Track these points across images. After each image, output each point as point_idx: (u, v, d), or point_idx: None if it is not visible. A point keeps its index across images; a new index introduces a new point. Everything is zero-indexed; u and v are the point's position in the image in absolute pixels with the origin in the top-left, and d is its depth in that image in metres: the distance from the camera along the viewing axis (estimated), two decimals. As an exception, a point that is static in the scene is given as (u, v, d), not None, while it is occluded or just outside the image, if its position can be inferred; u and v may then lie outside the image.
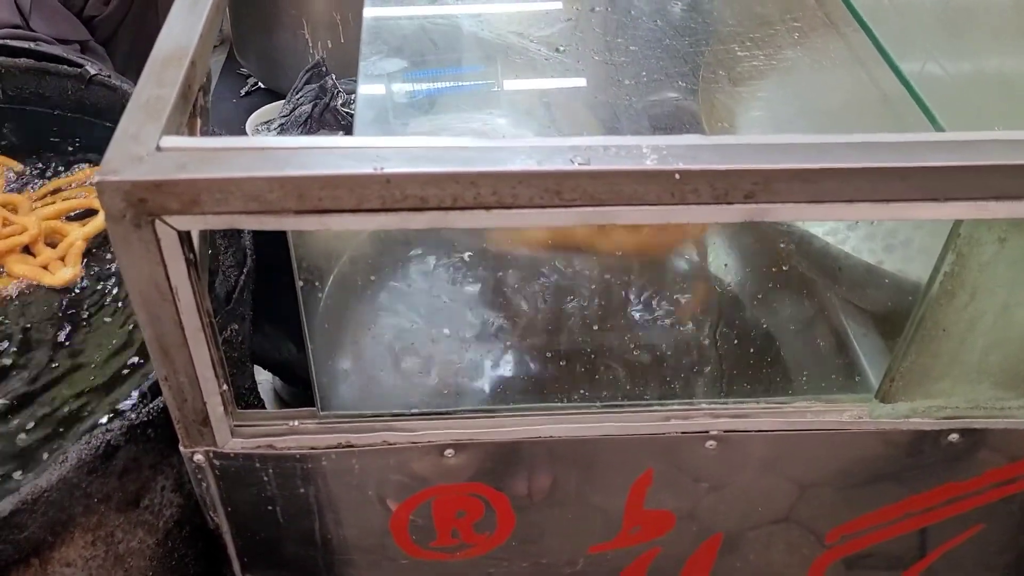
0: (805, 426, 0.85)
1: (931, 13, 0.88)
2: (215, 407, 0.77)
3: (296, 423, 0.82)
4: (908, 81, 0.75)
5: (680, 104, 1.02)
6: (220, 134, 2.41)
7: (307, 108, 2.27)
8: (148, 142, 0.64)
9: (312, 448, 0.82)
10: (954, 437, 0.87)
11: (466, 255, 1.00)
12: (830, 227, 0.99)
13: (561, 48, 0.88)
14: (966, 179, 0.66)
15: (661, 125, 0.83)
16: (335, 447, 0.82)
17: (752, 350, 0.96)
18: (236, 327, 1.03)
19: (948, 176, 0.66)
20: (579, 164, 0.64)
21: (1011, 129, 0.68)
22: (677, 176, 0.64)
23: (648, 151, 0.65)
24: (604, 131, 0.97)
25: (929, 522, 0.96)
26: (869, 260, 0.97)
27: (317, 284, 0.88)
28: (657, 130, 0.93)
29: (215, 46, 2.97)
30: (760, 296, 1.00)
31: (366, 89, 0.86)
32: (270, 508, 0.87)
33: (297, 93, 2.28)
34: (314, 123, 2.17)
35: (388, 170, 0.62)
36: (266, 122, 2.24)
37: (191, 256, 0.67)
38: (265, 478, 0.84)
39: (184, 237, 0.66)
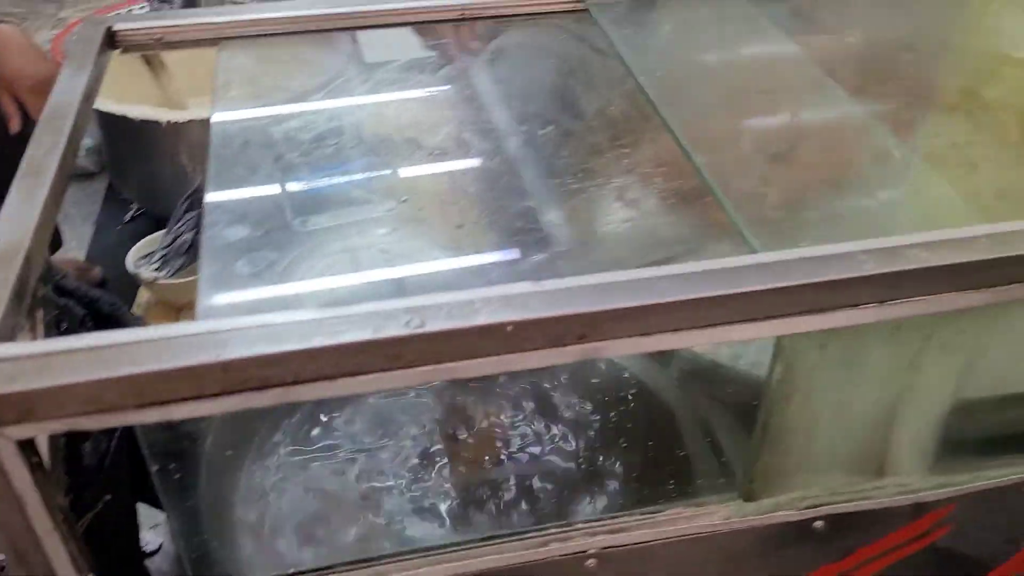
0: (679, 533, 0.88)
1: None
2: (79, 604, 0.75)
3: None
4: (723, 200, 0.81)
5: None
6: (100, 268, 2.33)
7: (188, 237, 2.25)
8: (-24, 352, 0.63)
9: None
10: (819, 524, 0.91)
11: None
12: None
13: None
14: (779, 299, 0.71)
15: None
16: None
17: (622, 462, 0.99)
18: (110, 497, 1.01)
19: (764, 298, 0.71)
20: (414, 328, 0.66)
21: (818, 244, 0.74)
22: (509, 328, 0.67)
23: (480, 305, 0.68)
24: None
25: (814, 603, 1.00)
26: (728, 358, 1.02)
27: (174, 465, 0.88)
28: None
29: (94, 173, 2.93)
30: (622, 407, 1.04)
31: (210, 252, 0.86)
32: None
33: (177, 222, 2.26)
34: (196, 252, 2.15)
35: (224, 357, 0.63)
36: (146, 255, 2.21)
37: (35, 459, 0.66)
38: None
39: (25, 444, 0.65)
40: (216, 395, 0.65)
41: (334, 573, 0.82)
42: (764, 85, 1.05)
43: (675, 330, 0.70)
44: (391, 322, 0.66)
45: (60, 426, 0.64)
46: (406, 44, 1.23)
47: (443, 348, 0.67)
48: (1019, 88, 1.34)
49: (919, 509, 0.93)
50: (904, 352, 0.79)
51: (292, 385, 0.66)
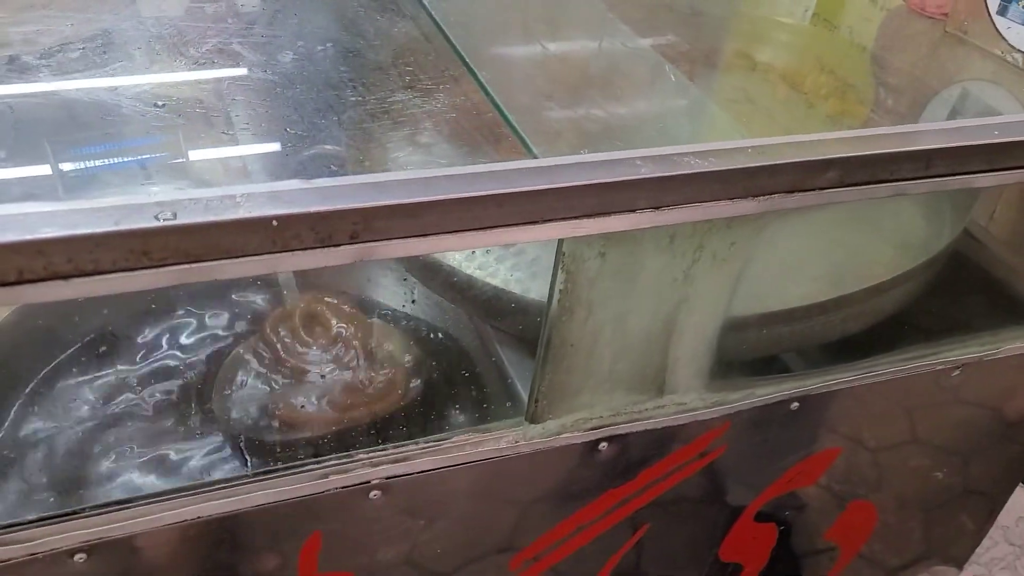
0: (466, 459, 0.86)
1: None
2: None
3: None
4: (505, 113, 0.79)
5: (330, 153, 1.01)
6: None
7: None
8: None
9: (-101, 586, 0.69)
10: (603, 446, 0.92)
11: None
12: (480, 260, 1.02)
13: (160, 104, 0.83)
14: (558, 200, 0.70)
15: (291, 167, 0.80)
16: (-70, 579, 0.70)
17: (408, 389, 0.96)
18: None
19: (542, 199, 0.69)
20: (165, 220, 0.59)
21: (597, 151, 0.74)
22: (275, 223, 0.62)
23: (242, 199, 0.62)
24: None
25: (600, 531, 1.01)
26: (499, 281, 1.01)
27: None
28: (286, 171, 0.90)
29: None
30: (409, 330, 1.01)
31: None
32: None
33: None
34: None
35: (-71, 246, 0.54)
36: None
37: None
38: None
39: None
40: (-81, 294, 0.55)
41: (83, 517, 0.74)
42: (551, 18, 1.06)
43: (453, 231, 0.68)
44: (137, 214, 0.59)
45: None
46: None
47: (199, 244, 0.61)
48: (785, 49, 1.44)
49: (697, 428, 0.96)
50: (678, 263, 0.81)
51: (15, 284, 0.58)
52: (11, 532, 0.72)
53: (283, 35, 0.95)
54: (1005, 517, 1.41)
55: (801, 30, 1.47)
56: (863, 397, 1.03)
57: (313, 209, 0.63)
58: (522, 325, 0.97)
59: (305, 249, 0.64)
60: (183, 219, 0.60)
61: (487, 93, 0.82)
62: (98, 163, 0.82)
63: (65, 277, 0.59)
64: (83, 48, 0.88)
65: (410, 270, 1.03)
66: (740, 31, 1.48)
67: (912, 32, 1.18)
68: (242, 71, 0.89)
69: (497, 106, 0.81)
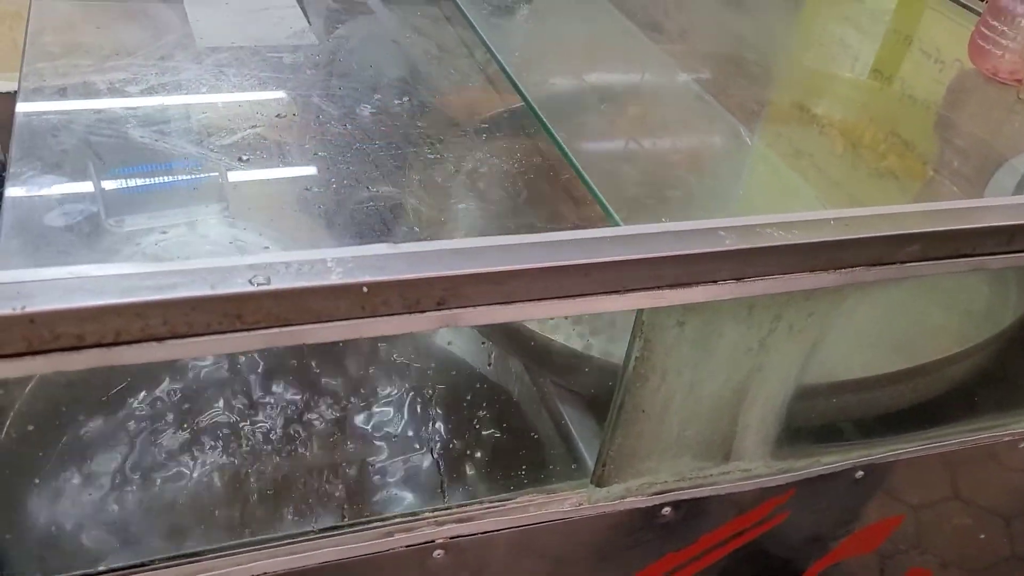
0: (530, 520, 0.85)
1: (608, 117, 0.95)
2: None
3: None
4: (587, 179, 0.79)
5: (389, 203, 1.01)
6: None
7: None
8: None
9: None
10: (667, 510, 0.91)
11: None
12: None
13: (245, 158, 0.84)
14: (642, 271, 0.70)
15: (374, 226, 0.81)
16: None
17: (472, 448, 0.95)
18: None
19: (626, 269, 0.69)
20: (259, 285, 0.60)
21: (678, 220, 0.74)
22: (365, 289, 0.62)
23: (333, 265, 0.62)
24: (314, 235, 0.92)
25: (657, 593, 0.99)
26: (578, 344, 1.01)
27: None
28: (369, 230, 0.90)
29: None
30: (478, 387, 1.00)
31: (14, 213, 0.76)
32: None
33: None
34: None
35: (31, 308, 0.55)
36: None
37: None
38: None
39: None
40: (20, 355, 0.56)
41: (153, 570, 0.74)
42: (624, 77, 1.06)
43: (536, 299, 0.68)
44: (233, 278, 0.60)
45: None
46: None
47: (291, 309, 0.61)
48: (851, 105, 1.43)
49: (761, 495, 0.95)
50: (755, 333, 0.80)
51: (112, 346, 0.58)
52: (84, 582, 0.72)
53: (359, 87, 0.96)
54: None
55: (862, 85, 1.46)
56: (928, 467, 1.01)
57: (402, 276, 0.63)
58: (592, 388, 0.96)
59: (392, 315, 0.64)
60: (276, 284, 0.60)
61: (566, 155, 0.82)
62: (181, 215, 0.83)
63: (160, 339, 0.59)
64: (164, 98, 0.89)
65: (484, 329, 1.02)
66: (800, 84, 1.47)
67: (983, 96, 1.17)
68: (321, 124, 0.90)
69: (577, 169, 0.81)
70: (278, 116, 0.89)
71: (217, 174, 0.84)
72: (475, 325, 0.67)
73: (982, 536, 1.17)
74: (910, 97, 1.41)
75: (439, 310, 0.65)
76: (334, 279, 0.62)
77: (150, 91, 0.91)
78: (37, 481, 0.86)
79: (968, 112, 1.23)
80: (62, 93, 0.93)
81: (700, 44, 1.27)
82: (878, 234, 0.76)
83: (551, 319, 0.96)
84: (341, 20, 1.14)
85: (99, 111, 0.92)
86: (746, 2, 1.44)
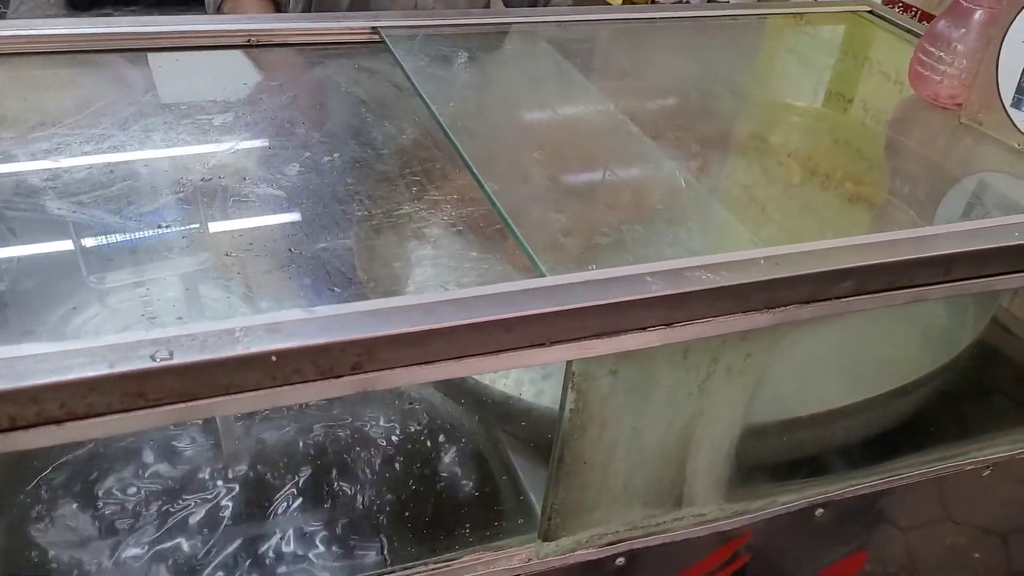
0: (477, 580, 0.83)
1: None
2: None
3: None
4: (514, 229, 0.78)
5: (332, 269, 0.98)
6: None
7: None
8: None
9: None
10: (620, 561, 0.88)
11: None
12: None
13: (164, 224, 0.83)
14: (568, 322, 0.68)
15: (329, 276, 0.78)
16: None
17: (414, 504, 0.93)
18: None
19: (551, 321, 0.68)
20: (161, 360, 0.58)
21: (605, 267, 0.72)
22: (273, 359, 0.60)
23: (241, 334, 0.61)
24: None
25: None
26: (531, 389, 0.99)
27: None
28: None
29: None
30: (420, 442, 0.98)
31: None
32: None
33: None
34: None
35: (-86, 399, 0.53)
36: None
37: None
38: None
39: None
40: (-94, 447, 0.54)
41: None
42: (559, 121, 1.05)
43: (459, 357, 0.66)
44: (133, 354, 0.58)
45: None
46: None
47: (197, 383, 0.59)
48: (800, 133, 1.43)
49: (717, 539, 0.92)
50: (693, 377, 0.78)
51: (9, 431, 0.56)
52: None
53: (289, 145, 0.94)
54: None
55: (814, 113, 1.46)
56: (890, 500, 0.99)
57: (314, 342, 0.61)
58: (536, 433, 0.94)
59: (306, 382, 0.62)
60: (180, 358, 0.58)
61: (495, 205, 0.81)
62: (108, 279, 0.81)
63: (58, 422, 0.57)
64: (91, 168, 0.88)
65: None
66: (752, 115, 1.47)
67: (926, 120, 1.16)
68: (247, 186, 0.88)
69: (505, 219, 0.79)
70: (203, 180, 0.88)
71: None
72: (392, 386, 0.66)
73: (952, 565, 1.14)
74: (865, 125, 1.41)
75: (355, 374, 0.63)
76: (240, 350, 0.60)
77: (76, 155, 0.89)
78: None
79: (915, 137, 1.23)
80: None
81: (650, 82, 1.27)
82: (809, 271, 0.75)
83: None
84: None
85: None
86: (696, 41, 1.44)
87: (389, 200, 0.88)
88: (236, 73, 1.16)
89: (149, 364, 0.58)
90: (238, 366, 0.60)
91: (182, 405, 0.60)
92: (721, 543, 0.93)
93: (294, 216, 0.86)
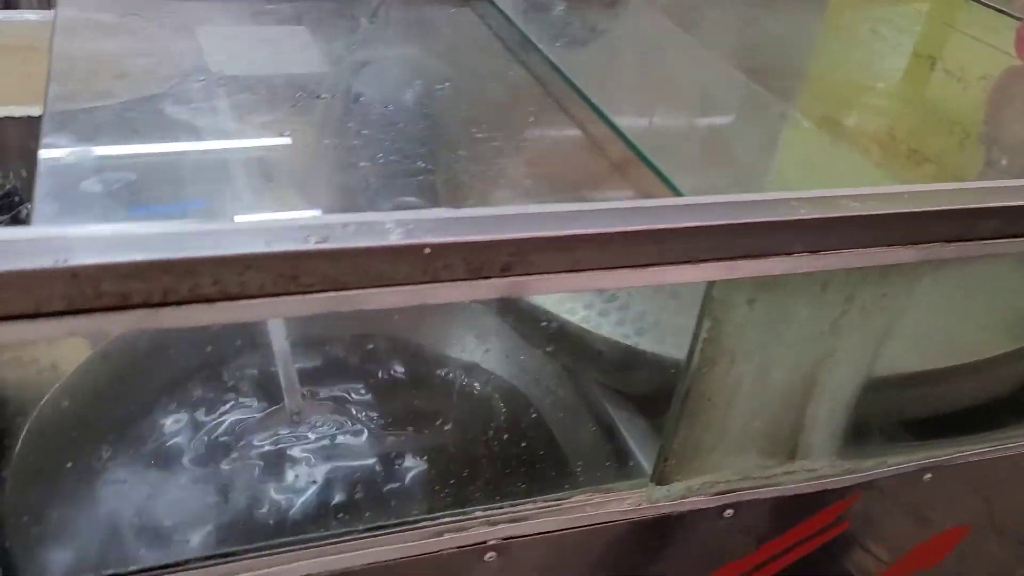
0: (586, 521, 0.80)
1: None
2: None
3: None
4: (642, 151, 0.75)
5: (422, 182, 0.96)
6: None
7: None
8: None
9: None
10: (729, 513, 0.85)
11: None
12: (582, 315, 0.98)
13: (286, 133, 0.81)
14: (715, 240, 0.66)
15: (405, 205, 0.77)
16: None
17: (522, 447, 0.90)
18: None
19: (700, 237, 0.65)
20: (316, 243, 0.56)
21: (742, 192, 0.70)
22: (427, 251, 0.58)
23: (393, 226, 0.58)
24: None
25: (714, 610, 0.93)
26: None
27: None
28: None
29: None
30: (523, 389, 0.95)
31: (47, 181, 0.72)
32: None
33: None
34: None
35: (74, 262, 0.50)
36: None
37: None
38: None
39: None
40: (59, 313, 0.51)
41: (196, 568, 0.68)
42: (666, 63, 1.03)
43: (606, 268, 0.63)
44: (288, 236, 0.56)
45: None
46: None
47: (349, 271, 0.57)
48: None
49: (826, 498, 0.89)
50: (827, 314, 0.76)
51: (159, 307, 0.54)
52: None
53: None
54: None
55: (901, 89, 1.43)
56: (1002, 470, 0.96)
57: (467, 238, 0.59)
58: (638, 382, 0.91)
59: (455, 280, 0.60)
60: (333, 244, 0.56)
61: (623, 136, 0.78)
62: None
63: (210, 300, 0.55)
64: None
65: (521, 328, 0.98)
66: (831, 94, 1.44)
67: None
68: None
69: (635, 147, 0.77)
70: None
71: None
72: (539, 294, 0.63)
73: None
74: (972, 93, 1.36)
75: (504, 276, 0.61)
76: (394, 240, 0.57)
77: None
78: (77, 469, 0.81)
79: (1017, 107, 1.20)
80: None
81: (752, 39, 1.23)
82: (958, 207, 0.72)
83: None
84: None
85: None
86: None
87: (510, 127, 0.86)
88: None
89: (304, 246, 0.55)
90: (390, 256, 0.57)
91: (332, 294, 0.57)
92: (829, 502, 0.90)
93: (417, 132, 0.83)
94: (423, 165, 0.78)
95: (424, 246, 0.58)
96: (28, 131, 1.66)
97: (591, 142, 0.88)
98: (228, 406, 0.96)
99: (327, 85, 0.95)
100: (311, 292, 0.57)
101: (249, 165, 0.81)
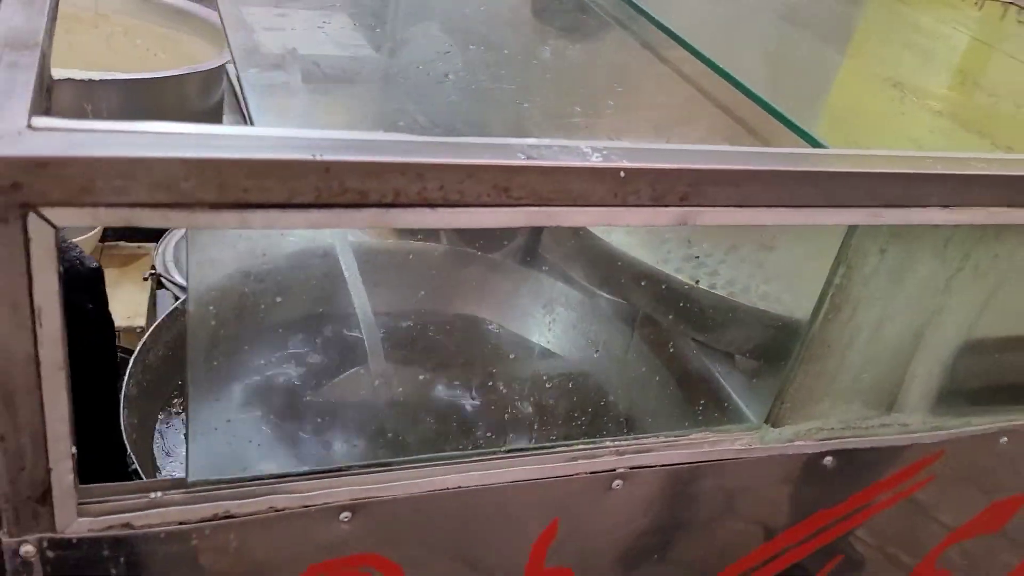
0: (702, 457, 0.84)
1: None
2: (63, 476, 0.61)
3: (160, 494, 0.67)
4: (778, 110, 0.81)
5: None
6: None
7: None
8: (15, 120, 0.51)
9: (181, 523, 0.67)
10: (828, 460, 0.90)
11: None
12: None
13: (450, 76, 0.86)
14: (865, 186, 0.71)
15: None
16: (210, 519, 0.68)
17: (641, 389, 0.95)
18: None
19: (851, 182, 0.70)
20: (528, 159, 0.60)
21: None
22: (622, 174, 0.63)
23: (590, 151, 0.63)
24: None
25: (800, 557, 0.98)
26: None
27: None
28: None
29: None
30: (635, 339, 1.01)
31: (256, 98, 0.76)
32: (113, 616, 0.69)
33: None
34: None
35: (327, 157, 0.55)
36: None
37: (61, 268, 0.54)
38: (117, 573, 0.67)
39: (59, 239, 0.53)
40: (307, 206, 0.56)
41: (349, 474, 0.72)
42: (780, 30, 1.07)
43: (768, 205, 0.68)
44: (503, 152, 0.60)
45: (115, 217, 0.52)
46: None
47: (553, 186, 0.61)
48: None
49: (914, 452, 0.94)
50: (945, 270, 0.81)
51: (390, 207, 0.58)
52: (289, 482, 0.70)
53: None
54: None
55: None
56: (1071, 438, 1.02)
57: (654, 165, 0.64)
58: (745, 338, 0.97)
59: (640, 206, 0.65)
60: (542, 160, 0.61)
61: (751, 94, 0.84)
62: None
63: (433, 206, 0.59)
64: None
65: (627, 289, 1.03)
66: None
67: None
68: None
69: (767, 104, 0.82)
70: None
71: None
72: (708, 224, 0.68)
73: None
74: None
75: (680, 206, 0.66)
76: (594, 161, 0.62)
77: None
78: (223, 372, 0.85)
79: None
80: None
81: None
82: (1072, 173, 0.78)
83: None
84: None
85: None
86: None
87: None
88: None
89: (518, 160, 0.60)
90: (590, 176, 0.62)
91: (535, 208, 0.62)
92: (916, 457, 0.95)
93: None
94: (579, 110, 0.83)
95: (619, 169, 0.63)
96: (85, 94, 1.69)
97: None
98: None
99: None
100: (519, 205, 0.61)
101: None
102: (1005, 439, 0.99)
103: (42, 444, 0.59)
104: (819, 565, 1.01)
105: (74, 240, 1.26)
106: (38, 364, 0.56)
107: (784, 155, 0.69)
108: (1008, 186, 0.76)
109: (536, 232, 1.16)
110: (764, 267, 1.00)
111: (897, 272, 0.79)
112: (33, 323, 0.54)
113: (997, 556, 1.13)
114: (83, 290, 0.86)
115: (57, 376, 0.57)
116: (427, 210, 0.59)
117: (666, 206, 0.65)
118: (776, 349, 0.88)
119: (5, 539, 0.62)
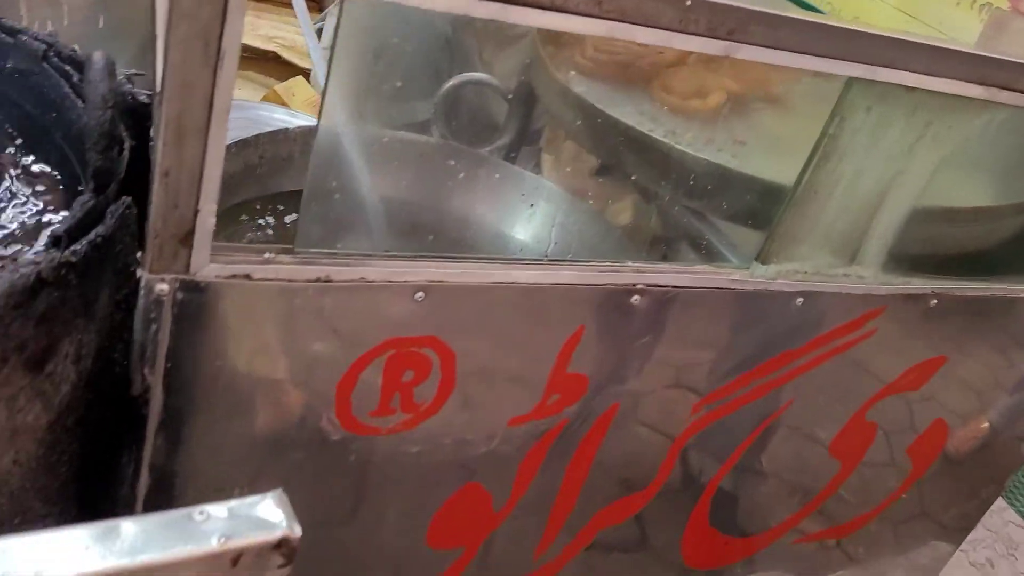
0: (704, 283, 0.99)
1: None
2: (206, 219, 0.70)
3: (274, 255, 0.77)
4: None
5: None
6: None
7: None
8: None
9: (290, 280, 0.77)
10: (800, 300, 1.06)
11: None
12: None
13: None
14: (864, 45, 0.86)
15: None
16: (313, 281, 0.78)
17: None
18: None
19: (855, 40, 0.86)
20: (614, -20, 0.73)
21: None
22: (688, 2, 0.76)
23: (666, -19, 0.76)
24: None
25: (763, 392, 1.15)
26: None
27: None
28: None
29: None
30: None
31: None
32: (219, 364, 0.79)
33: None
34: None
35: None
36: None
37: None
38: (229, 320, 0.77)
39: (248, -8, 0.62)
40: (447, -11, 0.67)
41: (427, 258, 0.84)
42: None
43: (795, 51, 0.83)
44: (598, -31, 0.72)
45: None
46: None
47: (635, 4, 0.74)
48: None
49: (864, 303, 1.12)
50: (909, 134, 0.98)
51: (511, 3, 0.69)
52: (378, 258, 0.81)
53: None
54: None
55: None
56: (992, 311, 1.22)
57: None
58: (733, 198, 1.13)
59: (696, 35, 0.78)
60: (627, -17, 0.73)
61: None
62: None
63: (541, 8, 0.71)
64: None
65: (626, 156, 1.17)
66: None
67: (1016, 30, 1.40)
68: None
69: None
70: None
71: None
72: (746, 57, 0.81)
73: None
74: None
75: (728, 39, 0.80)
76: (668, -11, 0.75)
77: None
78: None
79: (1005, 47, 1.47)
80: None
81: None
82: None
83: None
84: None
85: None
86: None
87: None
88: None
89: (611, -22, 0.72)
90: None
91: (614, 23, 0.74)
92: (864, 308, 1.13)
93: None
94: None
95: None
96: None
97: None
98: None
99: None
100: (605, 18, 0.74)
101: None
102: (935, 301, 1.17)
103: (197, 184, 0.68)
104: (774, 406, 1.18)
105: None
106: (211, 107, 0.65)
107: (810, 19, 0.84)
108: (975, 64, 0.93)
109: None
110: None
111: (876, 129, 0.95)
112: (216, 64, 0.63)
113: (918, 414, 1.33)
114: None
115: (221, 121, 0.66)
116: (535, 11, 0.71)
117: (716, 38, 0.79)
118: (771, 197, 1.04)
119: (147, 275, 0.71)
